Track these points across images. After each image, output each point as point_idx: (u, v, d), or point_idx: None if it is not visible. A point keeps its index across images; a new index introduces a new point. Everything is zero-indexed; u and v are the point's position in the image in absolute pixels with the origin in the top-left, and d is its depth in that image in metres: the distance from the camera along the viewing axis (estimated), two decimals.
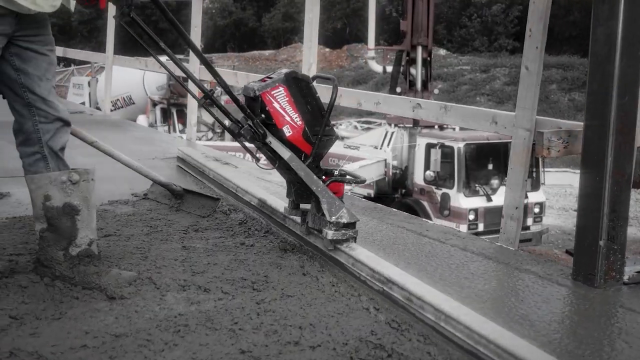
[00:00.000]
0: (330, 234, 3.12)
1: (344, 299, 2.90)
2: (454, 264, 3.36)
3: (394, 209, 4.50)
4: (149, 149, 6.71)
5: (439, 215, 14.43)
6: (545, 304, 2.89)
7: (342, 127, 20.90)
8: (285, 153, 3.09)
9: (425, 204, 14.83)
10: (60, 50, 11.85)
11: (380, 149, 16.11)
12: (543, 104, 29.38)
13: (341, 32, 46.60)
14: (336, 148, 16.94)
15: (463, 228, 13.73)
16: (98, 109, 18.02)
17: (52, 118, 2.88)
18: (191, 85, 4.33)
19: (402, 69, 17.32)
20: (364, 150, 16.48)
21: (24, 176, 2.96)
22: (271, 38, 49.41)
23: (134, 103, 23.00)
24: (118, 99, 23.09)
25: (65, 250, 2.93)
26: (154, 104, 22.25)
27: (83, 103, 22.12)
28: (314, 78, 3.42)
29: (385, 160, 15.81)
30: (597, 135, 3.05)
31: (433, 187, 14.66)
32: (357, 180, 3.33)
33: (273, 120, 3.10)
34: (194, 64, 6.85)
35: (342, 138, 17.88)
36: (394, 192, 15.86)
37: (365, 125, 21.35)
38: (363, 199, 4.81)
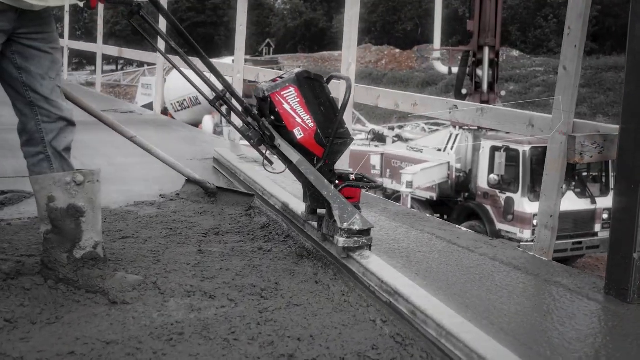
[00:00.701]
0: (341, 241, 2.98)
1: (352, 310, 2.76)
2: (479, 274, 3.17)
3: (428, 215, 4.32)
4: (190, 149, 6.66)
5: (502, 219, 14.06)
6: (570, 320, 2.69)
7: (408, 129, 20.62)
8: (294, 156, 2.96)
9: (489, 208, 14.46)
10: (115, 50, 11.99)
11: (444, 151, 15.79)
12: (609, 108, 28.41)
13: (412, 33, 46.17)
14: (399, 150, 16.74)
15: (527, 233, 13.34)
16: (165, 109, 18.28)
17: (55, 117, 2.82)
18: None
19: (468, 70, 16.95)
20: (427, 152, 16.19)
21: (29, 177, 2.90)
22: (342, 39, 49.37)
23: (200, 103, 23.22)
24: (185, 99, 23.38)
25: (70, 253, 2.87)
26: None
27: (151, 104, 22.45)
28: (329, 79, 3.28)
29: (449, 163, 15.50)
30: (633, 140, 2.82)
31: (497, 191, 14.27)
32: (373, 185, 3.18)
33: (283, 122, 2.98)
34: (239, 64, 6.78)
35: (407, 140, 17.63)
36: (457, 195, 15.52)
37: (434, 128, 21.03)
38: (397, 204, 4.64)
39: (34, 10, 2.68)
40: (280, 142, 2.98)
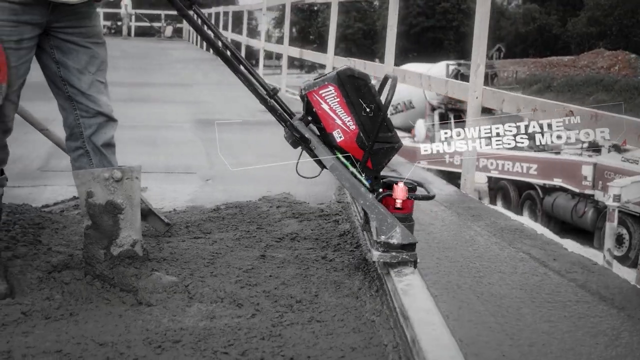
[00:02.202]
0: (375, 255, 2.72)
1: (372, 332, 2.50)
2: (548, 304, 2.75)
3: (538, 232, 3.86)
4: None
5: None
6: None
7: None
8: (327, 161, 2.74)
9: None
10: (296, 52, 12.13)
11: None
12: None
13: None
14: (612, 160, 15.55)
15: None
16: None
17: (93, 112, 2.82)
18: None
19: None
20: None
21: (72, 171, 2.93)
22: (575, 44, 46.99)
23: (414, 107, 23.13)
24: (399, 103, 23.38)
25: (107, 249, 2.85)
26: (433, 109, 22.19)
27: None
28: (384, 79, 2.99)
29: None
30: None
31: None
32: (420, 197, 2.87)
33: (321, 123, 2.76)
34: (388, 67, 6.55)
35: (622, 150, 16.33)
36: None
37: None
38: (511, 218, 4.20)
39: (68, 4, 2.68)
40: (316, 144, 2.76)
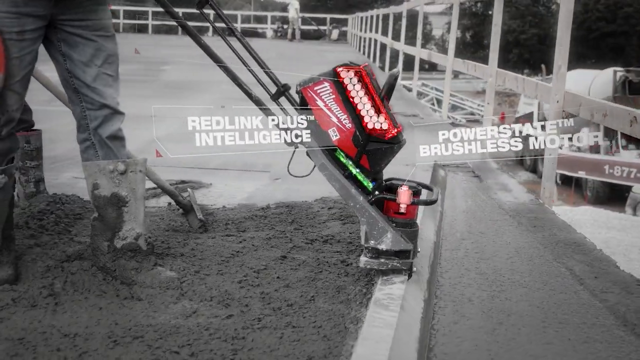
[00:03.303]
0: (362, 260, 2.55)
1: (338, 341, 2.34)
2: (557, 325, 2.47)
3: (596, 248, 3.48)
4: None
5: None
6: None
7: None
8: (316, 159, 2.59)
9: None
10: (425, 54, 11.78)
11: None
12: None
13: None
14: None
15: None
16: (543, 119, 17.70)
17: (98, 105, 2.82)
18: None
19: None
20: None
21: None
22: None
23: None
24: None
25: (110, 242, 2.86)
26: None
27: (531, 113, 21.88)
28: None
29: None
30: None
31: None
32: (425, 201, 2.65)
33: (316, 120, 2.62)
34: (492, 67, 6.19)
35: None
36: None
37: None
38: (576, 232, 3.81)
39: None
40: (306, 141, 2.62)
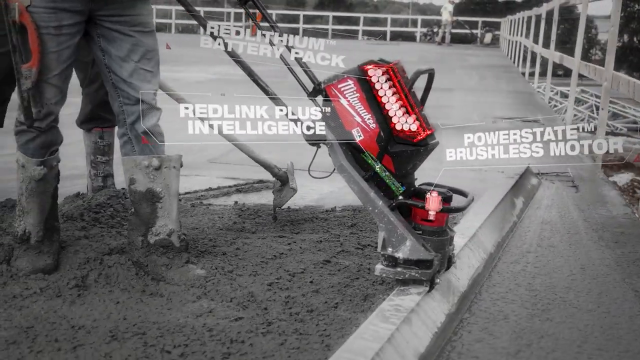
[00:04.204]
0: (378, 269, 2.39)
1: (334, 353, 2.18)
2: (594, 352, 2.22)
3: None
4: None
5: None
6: None
7: None
8: (335, 159, 2.46)
9: None
10: (557, 57, 11.06)
11: None
12: None
13: None
14: None
15: None
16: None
17: (134, 100, 2.82)
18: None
19: None
20: None
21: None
22: None
23: None
24: None
25: (144, 237, 2.85)
26: None
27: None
28: (416, 73, 2.57)
29: None
30: None
31: None
32: (449, 209, 2.45)
33: (340, 119, 2.48)
34: (608, 70, 5.74)
35: None
36: None
37: None
38: None
39: None
40: (329, 141, 2.50)
